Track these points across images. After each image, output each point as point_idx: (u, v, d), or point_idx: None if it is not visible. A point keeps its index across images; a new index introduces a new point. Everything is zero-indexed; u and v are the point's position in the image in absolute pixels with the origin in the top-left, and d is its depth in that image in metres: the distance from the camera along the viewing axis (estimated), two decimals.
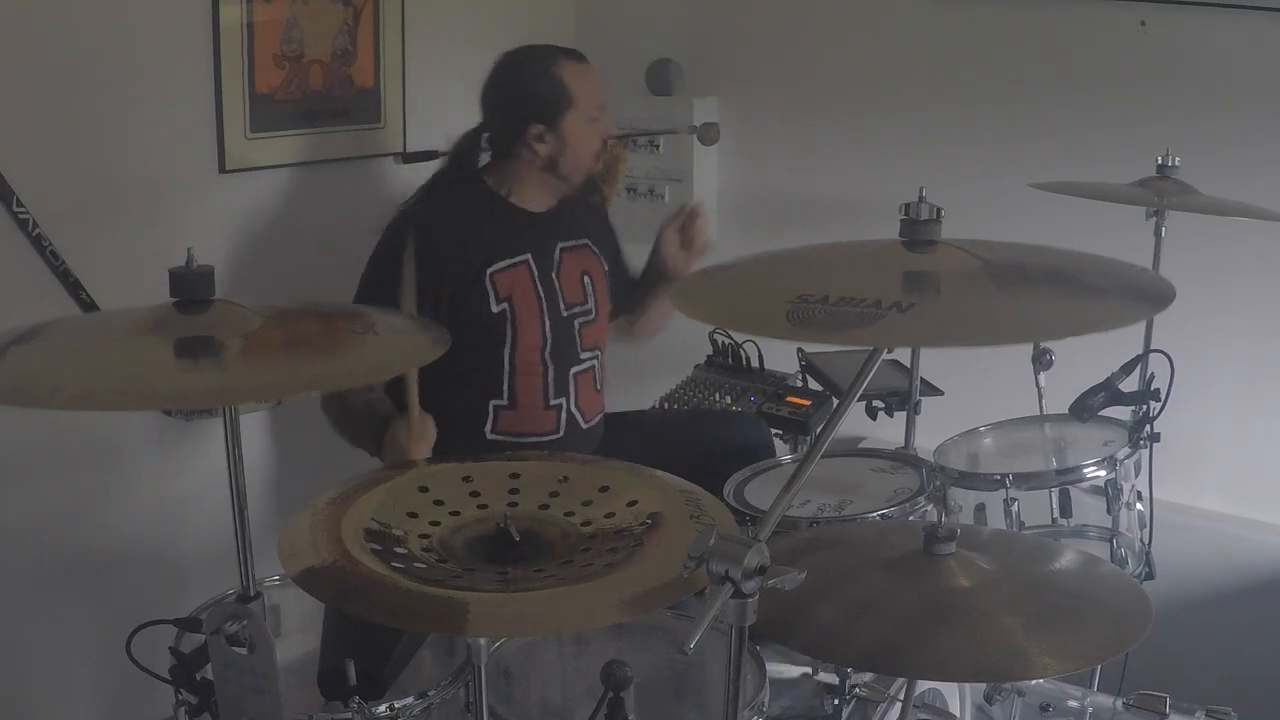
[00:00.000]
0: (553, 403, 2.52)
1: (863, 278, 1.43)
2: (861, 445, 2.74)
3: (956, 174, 2.89)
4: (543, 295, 2.47)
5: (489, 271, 2.41)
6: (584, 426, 2.58)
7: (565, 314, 2.50)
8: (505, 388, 2.46)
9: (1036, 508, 2.26)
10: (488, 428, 2.49)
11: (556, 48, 2.53)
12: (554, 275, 2.50)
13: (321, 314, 1.90)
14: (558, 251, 2.52)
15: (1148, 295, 1.45)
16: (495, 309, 2.41)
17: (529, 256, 2.47)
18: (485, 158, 2.56)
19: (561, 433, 2.53)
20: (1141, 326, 2.42)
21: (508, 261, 2.44)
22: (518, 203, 2.51)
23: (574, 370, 2.53)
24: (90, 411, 2.24)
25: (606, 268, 2.65)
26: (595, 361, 2.59)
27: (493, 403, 2.47)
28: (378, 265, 2.42)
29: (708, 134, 3.18)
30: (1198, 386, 2.61)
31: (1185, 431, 2.56)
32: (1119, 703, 1.92)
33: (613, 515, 1.58)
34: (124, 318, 1.65)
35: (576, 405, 2.55)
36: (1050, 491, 2.27)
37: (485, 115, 2.52)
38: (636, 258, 2.86)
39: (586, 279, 2.57)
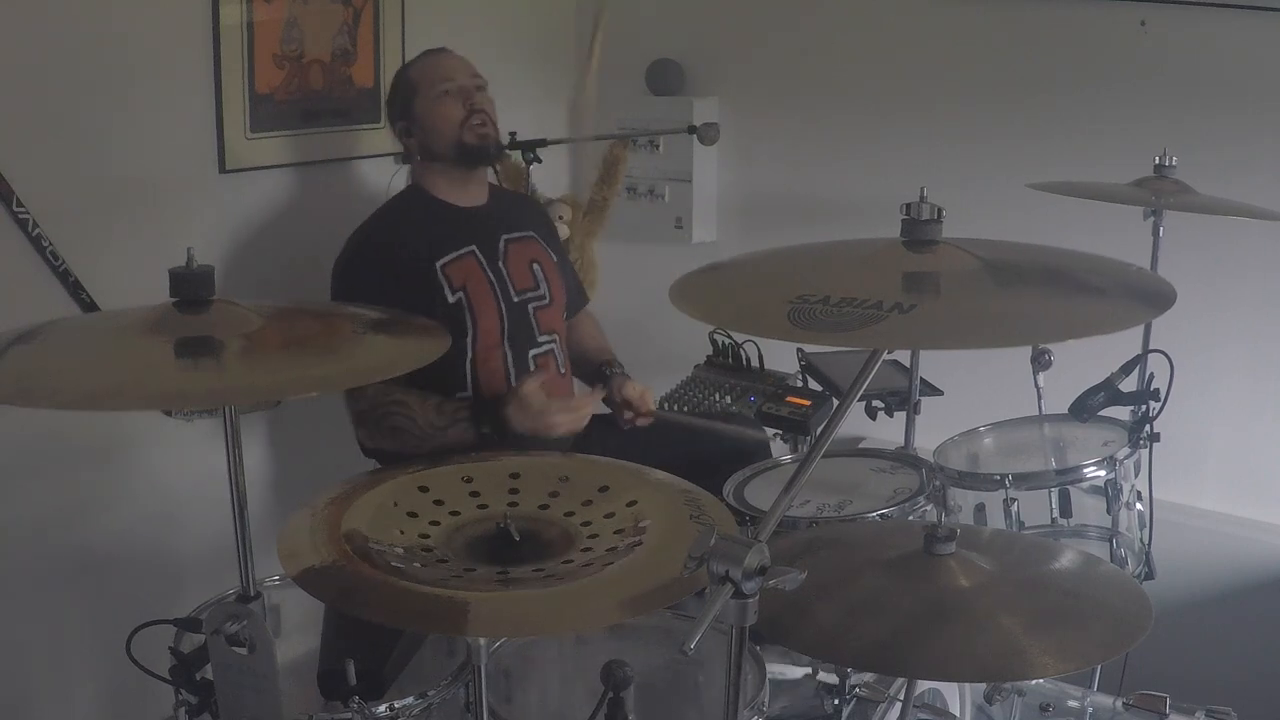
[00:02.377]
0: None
1: (863, 278, 1.42)
2: (861, 445, 2.74)
3: (956, 174, 2.89)
4: (493, 281, 2.52)
5: (439, 264, 2.47)
6: None
7: (517, 299, 2.55)
8: (468, 378, 2.49)
9: (1036, 508, 2.26)
10: None
11: (426, 51, 2.63)
12: (500, 264, 2.56)
13: (321, 314, 1.90)
14: (502, 242, 2.58)
15: (1149, 297, 1.45)
16: (451, 299, 2.46)
17: (474, 248, 2.53)
18: None
19: None
20: (1141, 326, 2.42)
21: (455, 254, 2.50)
22: (450, 200, 2.57)
23: (532, 353, 2.57)
24: (90, 411, 2.24)
25: (557, 259, 2.70)
26: (553, 345, 2.62)
27: (458, 394, 2.48)
28: (339, 285, 2.48)
29: (708, 134, 3.18)
30: (1197, 386, 2.61)
31: (1185, 431, 2.56)
32: (1119, 703, 1.92)
33: (613, 515, 1.58)
34: (124, 318, 1.66)
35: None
36: (1050, 491, 2.27)
37: None
38: (637, 257, 2.86)
39: (536, 266, 2.62)
